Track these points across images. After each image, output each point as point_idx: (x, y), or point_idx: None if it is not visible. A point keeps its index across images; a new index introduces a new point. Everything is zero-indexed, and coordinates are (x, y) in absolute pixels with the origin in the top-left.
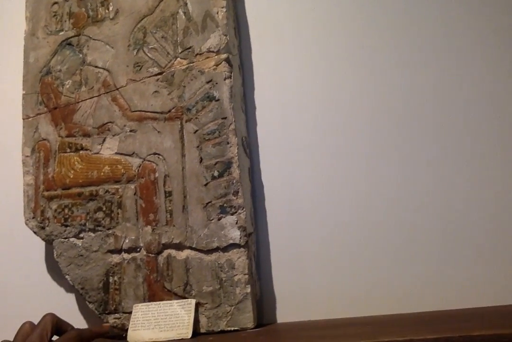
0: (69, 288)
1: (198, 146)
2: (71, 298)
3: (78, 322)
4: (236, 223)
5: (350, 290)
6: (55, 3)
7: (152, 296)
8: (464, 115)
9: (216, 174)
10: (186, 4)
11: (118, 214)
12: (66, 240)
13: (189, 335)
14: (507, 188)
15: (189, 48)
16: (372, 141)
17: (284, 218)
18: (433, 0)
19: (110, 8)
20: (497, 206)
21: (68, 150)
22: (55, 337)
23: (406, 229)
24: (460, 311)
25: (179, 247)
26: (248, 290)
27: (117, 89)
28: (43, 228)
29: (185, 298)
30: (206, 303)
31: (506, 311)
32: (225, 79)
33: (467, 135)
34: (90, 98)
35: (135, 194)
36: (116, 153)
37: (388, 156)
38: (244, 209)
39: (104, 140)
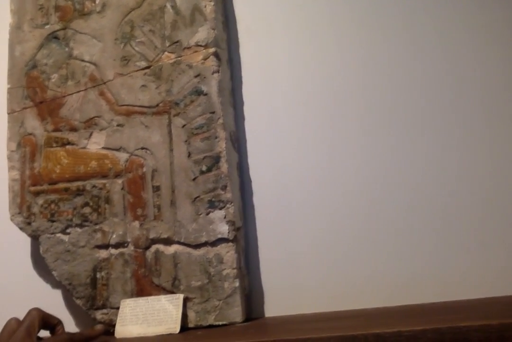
0: (56, 284)
1: (186, 141)
2: (58, 294)
3: (65, 318)
4: (225, 218)
5: (339, 284)
6: None
7: (140, 291)
8: (462, 116)
9: (204, 168)
10: None
11: (105, 209)
12: (53, 235)
13: (178, 330)
14: (500, 185)
15: (177, 42)
16: (362, 136)
17: (273, 212)
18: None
19: (97, 1)
20: (487, 203)
21: (55, 145)
22: (42, 331)
23: (394, 222)
24: (448, 303)
25: (167, 241)
26: (237, 284)
27: (104, 83)
28: (29, 223)
29: (173, 292)
30: (195, 298)
31: (493, 303)
32: (213, 74)
33: (462, 134)
34: (77, 92)
35: (122, 188)
36: (103, 148)
37: (379, 149)
38: (232, 204)
39: (91, 134)
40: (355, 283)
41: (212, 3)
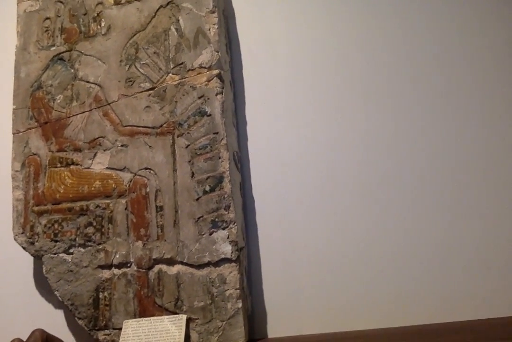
0: (58, 304)
1: (189, 161)
2: (60, 314)
3: (68, 338)
4: (228, 238)
5: (341, 305)
6: (47, 18)
7: (143, 312)
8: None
9: (207, 188)
10: (178, 20)
11: (108, 229)
12: (56, 255)
13: None
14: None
15: (181, 64)
16: (363, 158)
17: (275, 232)
18: (431, 18)
19: (102, 24)
20: (487, 222)
21: (59, 165)
22: None
23: (397, 245)
24: (449, 324)
25: (170, 262)
26: (240, 305)
27: (109, 104)
28: (32, 243)
29: (176, 313)
30: (197, 319)
31: (495, 324)
32: (216, 95)
33: (463, 144)
34: (82, 113)
35: (126, 208)
36: (107, 168)
37: (381, 172)
38: (235, 224)
39: (95, 155)
40: (358, 304)
41: (216, 26)
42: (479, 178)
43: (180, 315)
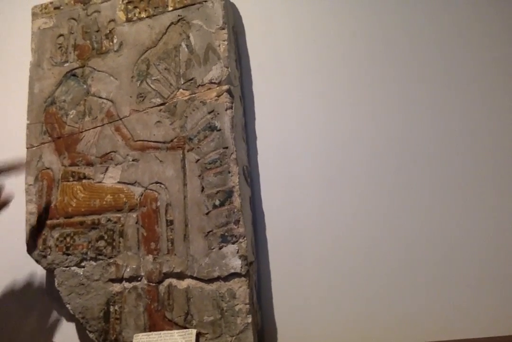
0: (70, 317)
1: (199, 176)
2: (71, 327)
3: None
4: (237, 252)
5: (352, 321)
6: (61, 35)
7: (153, 326)
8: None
9: (217, 202)
10: (188, 37)
11: (119, 242)
12: (68, 268)
13: None
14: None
15: (192, 79)
16: (372, 170)
17: (285, 246)
18: (437, 35)
19: (115, 41)
20: (494, 239)
21: (71, 179)
22: None
23: (407, 259)
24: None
25: (180, 276)
26: (249, 320)
27: (120, 119)
28: (44, 256)
29: (185, 328)
30: (207, 333)
31: None
32: (226, 110)
33: (464, 170)
34: (94, 128)
35: (136, 222)
36: (119, 182)
37: (389, 183)
38: (245, 238)
39: (107, 169)
40: (368, 319)
41: (226, 43)
42: (495, 184)
43: (190, 329)
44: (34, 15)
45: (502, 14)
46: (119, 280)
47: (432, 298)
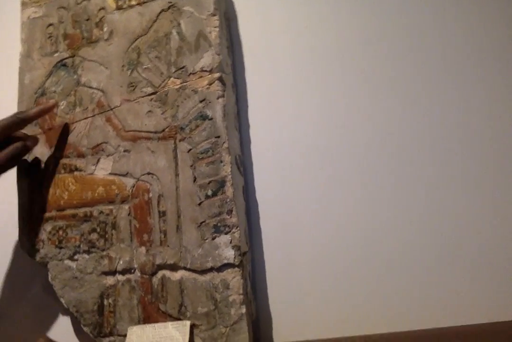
0: (64, 311)
1: (191, 166)
2: (66, 321)
3: None
4: (230, 242)
5: (348, 309)
6: (50, 24)
7: (147, 318)
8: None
9: (209, 193)
10: (179, 24)
11: (112, 235)
12: (61, 262)
13: None
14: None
15: (183, 67)
16: (369, 162)
17: (280, 236)
18: (436, 30)
19: (105, 29)
20: (494, 239)
21: (63, 171)
22: None
23: (403, 247)
24: (457, 328)
25: (174, 267)
26: (243, 310)
27: (111, 109)
28: (37, 250)
29: (179, 319)
30: (201, 325)
31: (501, 328)
32: (218, 98)
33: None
34: (85, 119)
35: (129, 214)
36: (110, 173)
37: (385, 177)
38: (238, 228)
39: (98, 160)
40: (364, 308)
41: (217, 29)
42: (492, 183)
43: (184, 321)
44: (24, 4)
45: (503, 14)
46: (112, 272)
47: (428, 291)
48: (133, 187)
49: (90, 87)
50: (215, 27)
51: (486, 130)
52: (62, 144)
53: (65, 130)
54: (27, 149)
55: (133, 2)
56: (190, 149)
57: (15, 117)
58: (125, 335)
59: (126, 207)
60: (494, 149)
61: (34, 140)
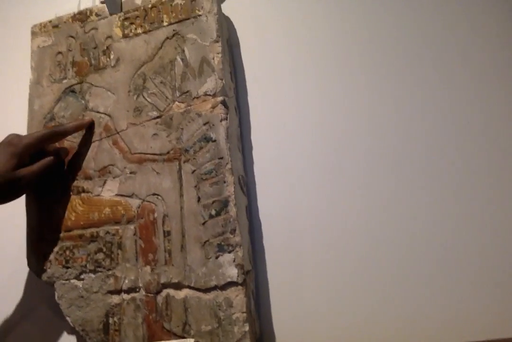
0: (71, 330)
1: (195, 186)
2: (72, 339)
3: None
4: (234, 261)
5: (353, 328)
6: (59, 52)
7: (152, 337)
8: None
9: (213, 212)
10: (183, 51)
11: (118, 254)
12: (67, 281)
13: None
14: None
15: (187, 92)
16: (369, 180)
17: (283, 255)
18: (435, 32)
19: (112, 56)
20: (494, 240)
21: (71, 193)
22: None
23: (407, 262)
24: None
25: (178, 286)
26: (247, 328)
27: (118, 133)
28: (45, 270)
29: (183, 337)
30: None
31: None
32: (221, 121)
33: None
34: (92, 142)
35: (134, 234)
36: (117, 195)
37: (386, 195)
38: (241, 247)
39: (105, 182)
40: (368, 328)
41: (220, 55)
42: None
43: (188, 339)
44: (34, 34)
45: (502, 13)
46: (118, 291)
47: (435, 299)
48: (139, 207)
49: (98, 112)
50: (218, 53)
51: (488, 132)
52: (71, 167)
53: (74, 153)
54: (60, 160)
55: (139, 31)
56: (194, 171)
57: (51, 131)
58: None
59: (132, 227)
60: (496, 151)
61: (65, 151)
